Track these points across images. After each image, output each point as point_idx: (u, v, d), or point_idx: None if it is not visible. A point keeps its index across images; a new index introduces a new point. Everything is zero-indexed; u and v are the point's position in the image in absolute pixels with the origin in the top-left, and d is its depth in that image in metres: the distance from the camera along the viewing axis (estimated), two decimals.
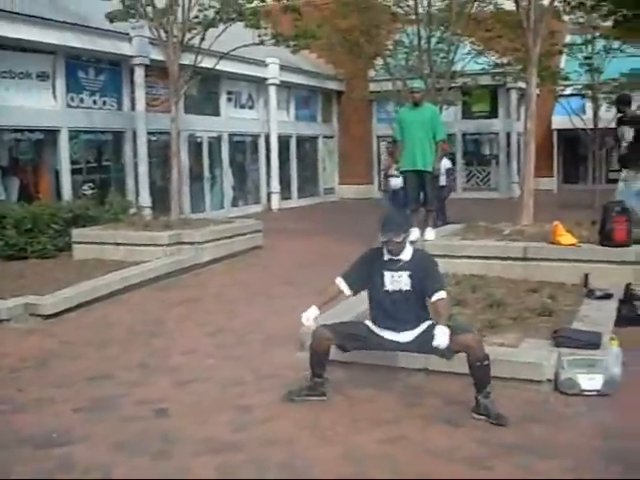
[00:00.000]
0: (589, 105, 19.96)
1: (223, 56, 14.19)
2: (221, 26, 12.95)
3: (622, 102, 11.52)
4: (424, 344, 4.91)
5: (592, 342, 5.57)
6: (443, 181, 14.04)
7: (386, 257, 5.08)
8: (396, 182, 14.17)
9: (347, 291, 5.23)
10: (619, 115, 11.44)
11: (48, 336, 7.38)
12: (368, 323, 5.20)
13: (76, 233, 11.48)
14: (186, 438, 4.59)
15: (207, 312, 8.28)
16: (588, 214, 10.28)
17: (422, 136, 9.69)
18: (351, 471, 4.07)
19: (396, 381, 5.47)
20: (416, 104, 9.93)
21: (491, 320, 6.29)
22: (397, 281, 5.02)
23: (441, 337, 4.65)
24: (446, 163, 14.29)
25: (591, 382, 5.12)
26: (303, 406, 5.06)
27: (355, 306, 6.26)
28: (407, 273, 5.01)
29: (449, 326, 4.76)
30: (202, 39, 12.51)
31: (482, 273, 8.25)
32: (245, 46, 13.98)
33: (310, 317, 5.07)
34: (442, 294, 4.93)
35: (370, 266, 5.18)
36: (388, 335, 5.06)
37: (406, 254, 5.05)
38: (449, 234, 9.56)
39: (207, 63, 13.27)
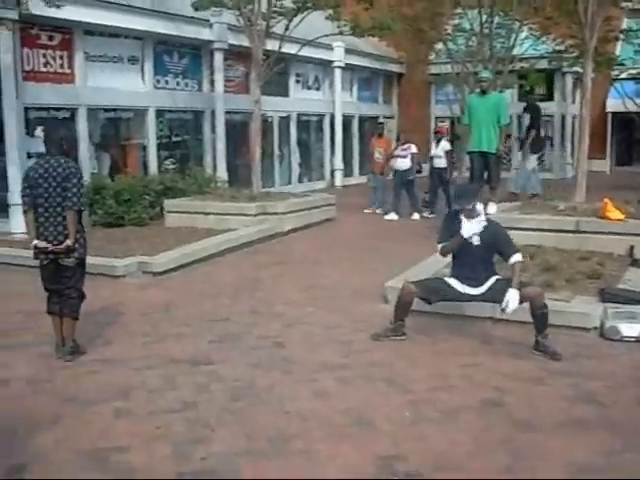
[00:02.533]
0: None
1: (306, 43, 15.09)
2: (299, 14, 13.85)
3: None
4: (492, 295, 6.06)
5: (633, 298, 6.68)
6: (443, 163, 14.20)
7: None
8: (402, 163, 14.23)
9: None
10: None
11: (163, 289, 8.68)
12: (446, 279, 6.34)
13: (168, 203, 12.80)
14: (304, 361, 5.82)
15: (296, 272, 9.47)
16: (638, 194, 11.10)
17: (487, 121, 10.75)
18: (440, 384, 5.27)
19: (468, 326, 6.63)
20: (483, 92, 11.02)
21: (547, 281, 7.36)
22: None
23: (511, 302, 5.72)
24: (445, 145, 14.34)
25: (631, 330, 6.21)
26: (394, 342, 6.25)
27: (430, 267, 7.43)
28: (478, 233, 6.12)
29: (519, 288, 5.79)
30: (286, 28, 13.49)
31: (538, 244, 9.22)
32: (326, 36, 14.95)
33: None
34: (518, 257, 5.99)
35: (453, 223, 6.28)
36: (463, 289, 6.18)
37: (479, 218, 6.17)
38: (509, 209, 10.56)
39: (284, 48, 14.02)
